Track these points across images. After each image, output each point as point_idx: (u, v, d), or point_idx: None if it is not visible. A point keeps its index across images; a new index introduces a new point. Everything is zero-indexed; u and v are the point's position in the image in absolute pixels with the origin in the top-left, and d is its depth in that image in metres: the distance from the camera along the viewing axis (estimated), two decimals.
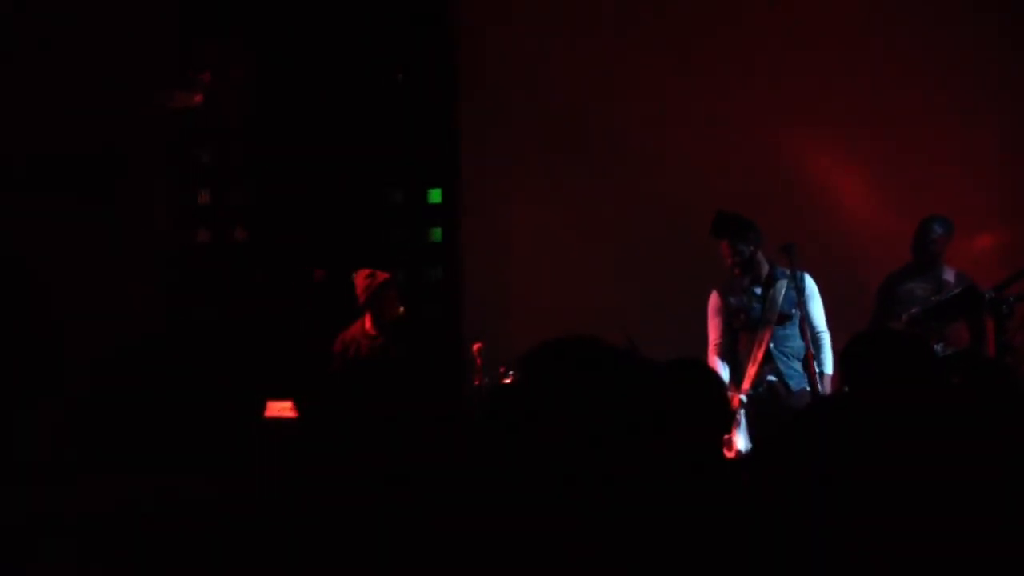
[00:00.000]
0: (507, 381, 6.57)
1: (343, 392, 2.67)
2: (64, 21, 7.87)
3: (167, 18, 8.21)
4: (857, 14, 8.09)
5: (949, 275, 7.19)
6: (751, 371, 6.77)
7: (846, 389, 3.74)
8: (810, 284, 6.85)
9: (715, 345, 6.92)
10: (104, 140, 7.97)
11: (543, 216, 8.10)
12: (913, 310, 7.01)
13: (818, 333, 6.79)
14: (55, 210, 7.69)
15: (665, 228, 7.88)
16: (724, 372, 6.78)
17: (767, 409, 6.67)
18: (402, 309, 7.13)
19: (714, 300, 6.96)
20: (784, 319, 6.78)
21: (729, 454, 6.02)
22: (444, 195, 8.47)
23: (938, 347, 6.82)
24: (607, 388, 2.34)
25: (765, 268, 6.85)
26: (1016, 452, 3.05)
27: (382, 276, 7.05)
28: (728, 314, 6.90)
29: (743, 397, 6.69)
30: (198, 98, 8.30)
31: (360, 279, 7.06)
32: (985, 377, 4.00)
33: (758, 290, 6.85)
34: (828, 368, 6.73)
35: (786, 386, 6.76)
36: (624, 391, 2.39)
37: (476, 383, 6.70)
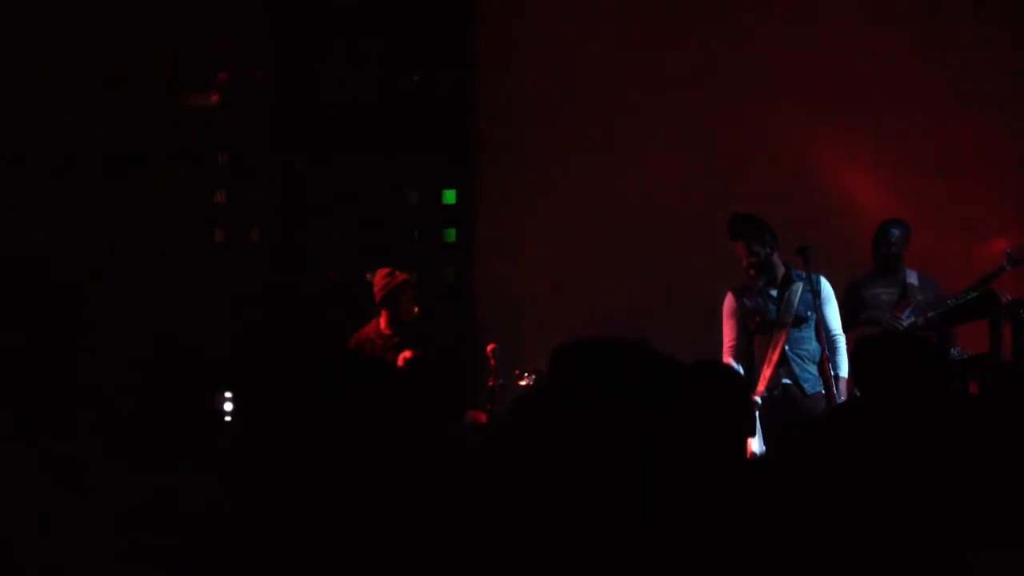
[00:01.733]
0: (523, 383, 6.57)
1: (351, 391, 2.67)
2: (81, 20, 7.90)
3: (184, 18, 8.24)
4: (874, 18, 8.08)
5: (912, 278, 7.23)
6: (766, 373, 6.75)
7: (858, 394, 3.72)
8: (826, 287, 6.83)
9: (729, 347, 6.90)
10: (120, 140, 8.00)
11: (557, 217, 8.10)
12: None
13: (833, 336, 6.78)
14: (69, 210, 7.72)
15: (678, 230, 7.88)
16: None
17: (781, 412, 6.66)
18: (418, 310, 7.14)
19: (729, 302, 6.94)
20: (799, 322, 6.76)
21: None
22: (459, 196, 8.49)
23: (955, 351, 6.80)
24: (640, 388, 2.33)
25: (780, 270, 6.83)
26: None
27: (401, 276, 7.07)
28: (743, 316, 6.88)
29: (758, 399, 6.67)
30: (215, 98, 8.33)
31: (379, 278, 7.07)
32: (1001, 381, 3.98)
33: (773, 292, 6.83)
34: (843, 371, 6.70)
35: (801, 389, 6.74)
36: (654, 391, 2.38)
37: (490, 384, 6.72)
